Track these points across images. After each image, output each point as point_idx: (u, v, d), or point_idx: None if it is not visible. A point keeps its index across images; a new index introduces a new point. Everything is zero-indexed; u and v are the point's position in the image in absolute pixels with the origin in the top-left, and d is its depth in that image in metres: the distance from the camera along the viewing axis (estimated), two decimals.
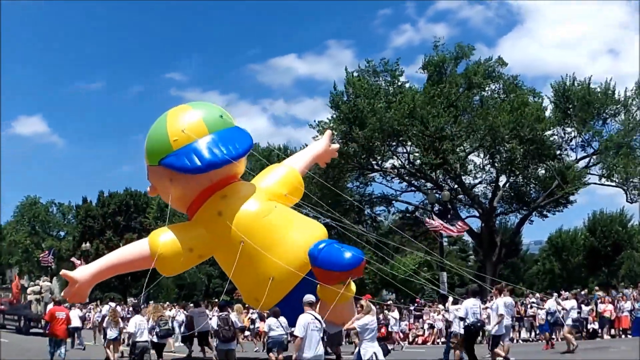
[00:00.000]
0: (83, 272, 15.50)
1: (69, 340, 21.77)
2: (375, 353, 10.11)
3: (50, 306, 19.95)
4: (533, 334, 24.02)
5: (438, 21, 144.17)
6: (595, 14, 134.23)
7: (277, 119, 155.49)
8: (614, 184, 35.66)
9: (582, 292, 26.99)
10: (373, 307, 10.95)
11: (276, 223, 15.51)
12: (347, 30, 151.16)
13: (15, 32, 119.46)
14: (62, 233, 69.77)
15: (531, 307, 24.40)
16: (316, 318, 9.99)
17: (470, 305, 13.40)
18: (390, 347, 17.51)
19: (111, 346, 16.80)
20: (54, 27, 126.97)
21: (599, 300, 23.66)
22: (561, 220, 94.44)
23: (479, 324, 13.39)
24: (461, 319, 13.61)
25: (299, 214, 16.87)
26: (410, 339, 25.25)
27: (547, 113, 35.93)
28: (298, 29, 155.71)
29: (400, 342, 23.16)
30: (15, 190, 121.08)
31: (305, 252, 14.90)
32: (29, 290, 29.94)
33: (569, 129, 36.34)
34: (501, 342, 14.60)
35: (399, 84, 37.08)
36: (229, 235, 15.07)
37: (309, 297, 10.66)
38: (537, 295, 25.96)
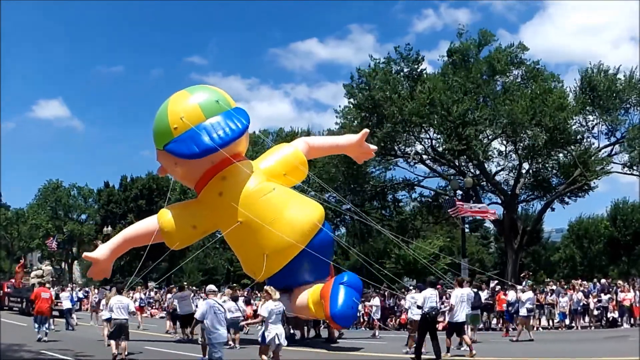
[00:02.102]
0: (102, 250, 17.02)
1: (63, 320, 23.16)
2: (277, 334, 11.06)
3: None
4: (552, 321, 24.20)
5: (460, 7, 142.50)
6: (617, 1, 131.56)
7: (300, 103, 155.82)
8: (638, 173, 35.51)
9: (602, 281, 27.01)
10: (277, 293, 11.76)
11: (274, 202, 16.70)
12: (368, 15, 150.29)
13: (36, 16, 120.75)
14: (83, 216, 70.32)
15: (550, 294, 24.54)
16: (218, 302, 11.26)
17: (428, 295, 14.24)
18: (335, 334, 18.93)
19: (105, 325, 18.04)
20: (74, 11, 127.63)
21: (619, 289, 23.72)
22: (582, 207, 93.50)
23: (434, 312, 14.21)
24: (418, 307, 14.54)
25: (297, 194, 17.92)
26: None
27: (569, 100, 35.64)
28: (319, 13, 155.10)
29: (376, 330, 23.14)
30: (36, 174, 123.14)
31: (301, 230, 16.34)
32: (32, 274, 31.31)
33: (590, 117, 36.10)
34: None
35: (419, 70, 37.20)
36: (229, 214, 16.35)
37: (211, 287, 12.26)
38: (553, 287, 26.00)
